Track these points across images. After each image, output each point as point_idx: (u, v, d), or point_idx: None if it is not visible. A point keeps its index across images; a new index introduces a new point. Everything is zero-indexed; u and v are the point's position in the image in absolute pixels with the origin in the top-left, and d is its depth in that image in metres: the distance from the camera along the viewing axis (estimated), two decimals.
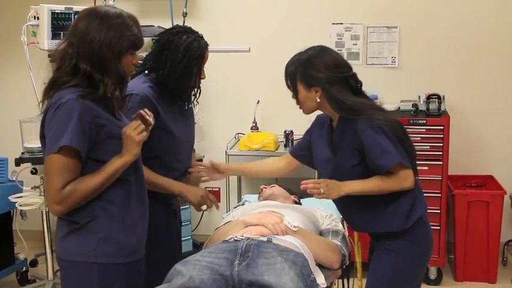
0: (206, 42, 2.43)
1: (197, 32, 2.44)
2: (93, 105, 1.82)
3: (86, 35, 1.82)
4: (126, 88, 1.97)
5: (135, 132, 1.87)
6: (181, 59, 2.35)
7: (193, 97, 2.51)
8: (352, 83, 2.16)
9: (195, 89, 2.48)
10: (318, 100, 2.16)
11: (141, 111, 1.96)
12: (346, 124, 2.15)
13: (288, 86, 2.23)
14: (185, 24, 3.79)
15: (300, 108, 2.26)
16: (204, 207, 2.53)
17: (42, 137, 1.85)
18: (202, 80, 2.48)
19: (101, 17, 1.84)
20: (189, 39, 2.38)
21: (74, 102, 1.77)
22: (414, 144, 3.59)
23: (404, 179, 2.10)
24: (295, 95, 2.22)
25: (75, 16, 3.23)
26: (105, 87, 1.83)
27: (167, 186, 2.40)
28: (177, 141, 2.44)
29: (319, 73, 2.13)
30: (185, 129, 2.53)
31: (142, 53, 3.62)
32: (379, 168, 2.08)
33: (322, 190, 2.09)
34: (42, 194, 3.40)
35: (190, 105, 2.54)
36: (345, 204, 2.27)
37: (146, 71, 2.42)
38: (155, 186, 2.33)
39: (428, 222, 2.26)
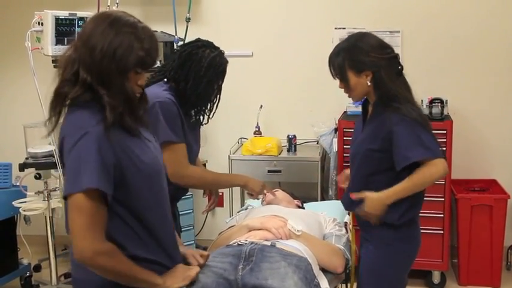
0: (227, 58, 2.46)
1: (219, 48, 2.47)
2: (119, 134, 1.63)
3: (89, 39, 1.60)
4: (139, 110, 1.73)
5: (187, 276, 1.83)
6: (204, 73, 2.38)
7: (210, 112, 2.53)
8: (395, 65, 2.19)
9: (214, 105, 2.51)
10: (369, 84, 2.17)
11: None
12: (380, 110, 2.18)
13: (335, 76, 2.25)
14: (188, 30, 3.83)
15: (349, 96, 2.28)
16: (260, 197, 2.72)
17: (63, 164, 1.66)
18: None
19: (109, 21, 1.61)
20: (212, 53, 2.42)
21: (97, 134, 1.57)
22: None
23: (435, 166, 2.10)
24: (346, 83, 2.22)
25: (79, 22, 3.25)
26: (112, 108, 1.59)
27: (231, 181, 2.67)
28: (191, 151, 2.48)
29: (368, 56, 2.15)
30: (196, 140, 2.57)
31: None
32: (407, 159, 2.10)
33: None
34: (46, 199, 3.41)
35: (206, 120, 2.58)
36: (353, 181, 2.32)
37: (165, 79, 2.44)
38: (218, 184, 2.63)
39: (419, 224, 2.33)
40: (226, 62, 2.47)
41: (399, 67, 2.20)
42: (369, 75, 2.17)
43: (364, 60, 2.15)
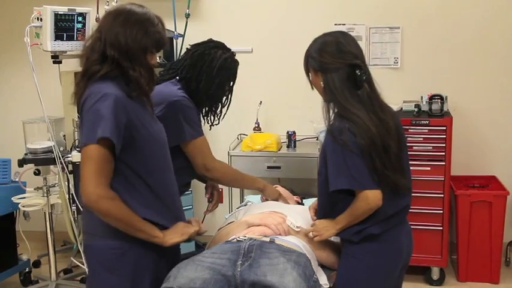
0: (238, 60, 2.48)
1: (231, 49, 2.48)
2: (134, 104, 1.88)
3: (112, 28, 1.87)
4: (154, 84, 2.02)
5: (186, 232, 2.01)
6: (216, 74, 2.40)
7: (221, 114, 2.56)
8: (357, 74, 2.07)
9: (224, 107, 2.53)
10: (323, 85, 2.12)
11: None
12: (333, 117, 2.13)
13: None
14: (187, 25, 3.83)
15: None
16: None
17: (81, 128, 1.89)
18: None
19: (126, 12, 1.90)
20: (224, 55, 2.44)
21: (115, 97, 1.81)
22: (417, 144, 3.62)
23: (364, 200, 2.03)
24: (308, 78, 2.20)
25: (78, 17, 3.24)
26: (138, 74, 1.87)
27: (252, 182, 2.66)
28: None
29: (321, 57, 2.10)
30: None
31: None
32: (333, 185, 2.04)
33: (311, 234, 2.19)
34: (45, 195, 3.41)
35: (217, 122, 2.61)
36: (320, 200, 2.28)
37: (177, 77, 2.45)
38: (240, 182, 2.70)
39: (396, 239, 2.17)
40: (238, 63, 2.51)
41: (363, 77, 2.07)
42: (321, 77, 2.12)
43: (318, 60, 2.11)
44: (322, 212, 2.24)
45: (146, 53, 1.91)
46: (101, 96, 1.81)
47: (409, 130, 3.53)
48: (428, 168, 3.54)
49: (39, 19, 3.12)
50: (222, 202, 4.26)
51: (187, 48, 2.53)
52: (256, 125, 4.03)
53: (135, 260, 1.95)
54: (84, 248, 2.05)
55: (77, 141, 3.28)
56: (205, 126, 2.57)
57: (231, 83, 2.50)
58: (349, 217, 2.09)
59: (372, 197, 2.02)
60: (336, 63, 2.09)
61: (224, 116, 2.58)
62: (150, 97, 2.00)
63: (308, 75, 2.21)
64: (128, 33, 1.86)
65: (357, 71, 2.08)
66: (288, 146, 3.86)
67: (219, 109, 2.54)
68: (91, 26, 3.36)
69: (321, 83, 2.13)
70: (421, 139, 3.53)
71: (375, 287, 2.18)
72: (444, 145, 3.52)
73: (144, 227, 1.90)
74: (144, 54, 1.90)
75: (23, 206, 3.45)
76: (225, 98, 2.52)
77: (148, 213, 1.92)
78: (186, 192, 3.90)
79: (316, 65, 2.13)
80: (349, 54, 2.10)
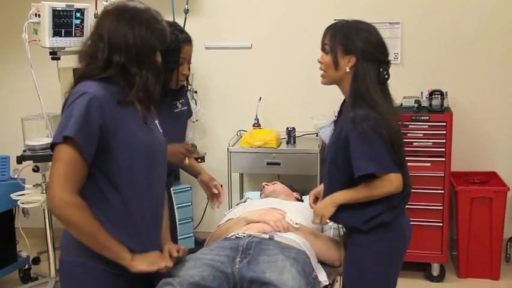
0: (186, 37, 2.38)
1: (178, 26, 2.40)
2: (120, 109, 1.73)
3: (117, 29, 1.73)
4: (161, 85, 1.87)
5: (156, 262, 1.79)
6: None
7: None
8: (382, 72, 2.12)
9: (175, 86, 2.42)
10: (348, 70, 2.11)
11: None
12: (347, 111, 2.11)
13: (324, 44, 2.17)
14: (186, 21, 3.81)
15: (322, 75, 2.19)
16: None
17: None
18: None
19: (130, 10, 1.76)
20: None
21: (92, 95, 1.66)
22: (417, 140, 3.60)
23: (388, 181, 2.05)
24: (333, 57, 2.13)
25: (77, 13, 3.23)
26: (145, 79, 1.74)
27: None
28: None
29: (362, 43, 2.10)
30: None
31: None
32: (359, 169, 2.03)
33: (316, 220, 2.16)
34: (44, 191, 3.41)
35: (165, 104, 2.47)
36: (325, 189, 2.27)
37: None
38: None
39: (401, 227, 2.19)
40: (184, 40, 2.40)
41: (386, 75, 2.13)
42: (352, 61, 2.10)
43: (356, 44, 2.10)
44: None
45: (155, 52, 1.79)
46: (79, 95, 1.67)
47: (409, 126, 3.52)
48: (429, 164, 3.53)
49: (37, 15, 3.11)
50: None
51: None
52: (256, 121, 4.02)
53: (101, 280, 1.78)
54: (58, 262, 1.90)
55: None
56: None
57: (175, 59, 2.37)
58: (366, 193, 2.07)
59: (395, 180, 2.05)
60: (376, 55, 2.11)
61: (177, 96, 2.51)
62: (150, 104, 1.83)
63: (333, 53, 2.13)
64: (137, 32, 1.73)
65: (381, 69, 2.12)
66: (287, 142, 3.85)
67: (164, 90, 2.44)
68: (89, 22, 3.35)
69: (347, 68, 2.11)
70: (421, 135, 3.52)
71: (384, 276, 2.19)
72: (444, 141, 3.51)
73: (112, 246, 1.72)
74: (153, 55, 1.78)
75: (22, 203, 3.44)
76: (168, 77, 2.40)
77: (116, 231, 1.74)
78: (185, 188, 3.92)
79: (354, 49, 2.10)
80: (386, 50, 2.15)
